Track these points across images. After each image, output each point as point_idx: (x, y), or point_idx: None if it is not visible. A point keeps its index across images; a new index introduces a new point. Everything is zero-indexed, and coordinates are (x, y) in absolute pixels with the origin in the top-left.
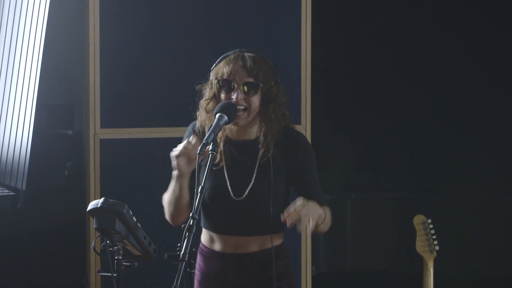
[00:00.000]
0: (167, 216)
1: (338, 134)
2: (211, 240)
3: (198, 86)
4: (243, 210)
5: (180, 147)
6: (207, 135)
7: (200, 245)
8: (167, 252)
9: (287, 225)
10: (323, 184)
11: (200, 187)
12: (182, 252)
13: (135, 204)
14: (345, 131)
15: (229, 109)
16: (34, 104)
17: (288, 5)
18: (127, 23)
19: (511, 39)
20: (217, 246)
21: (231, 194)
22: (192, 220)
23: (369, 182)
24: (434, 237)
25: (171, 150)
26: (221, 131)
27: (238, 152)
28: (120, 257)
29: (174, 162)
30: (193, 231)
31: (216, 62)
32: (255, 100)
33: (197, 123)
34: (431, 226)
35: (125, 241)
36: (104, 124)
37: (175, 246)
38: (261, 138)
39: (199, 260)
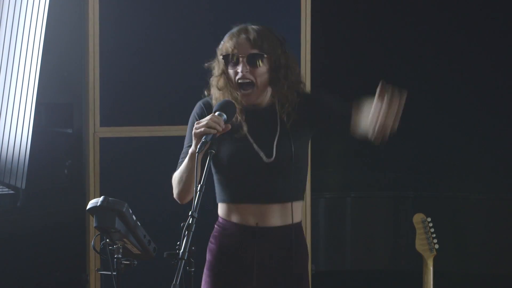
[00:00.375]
0: (175, 194)
1: (337, 133)
2: (230, 212)
3: (206, 64)
4: (272, 172)
5: (202, 122)
6: (204, 136)
7: (219, 218)
8: (166, 250)
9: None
10: (323, 183)
11: (200, 186)
12: (182, 250)
13: (134, 202)
14: (345, 130)
15: (228, 108)
16: (34, 102)
17: (288, 6)
18: (126, 22)
19: None
20: (235, 218)
21: (261, 156)
22: (191, 219)
23: (368, 181)
24: (434, 235)
25: (171, 148)
26: (236, 102)
27: (258, 118)
28: (120, 256)
29: (198, 135)
30: (193, 230)
31: (223, 40)
32: (262, 72)
33: (213, 100)
34: (430, 224)
35: (124, 239)
36: (104, 123)
37: (175, 245)
38: (278, 106)
39: (215, 232)
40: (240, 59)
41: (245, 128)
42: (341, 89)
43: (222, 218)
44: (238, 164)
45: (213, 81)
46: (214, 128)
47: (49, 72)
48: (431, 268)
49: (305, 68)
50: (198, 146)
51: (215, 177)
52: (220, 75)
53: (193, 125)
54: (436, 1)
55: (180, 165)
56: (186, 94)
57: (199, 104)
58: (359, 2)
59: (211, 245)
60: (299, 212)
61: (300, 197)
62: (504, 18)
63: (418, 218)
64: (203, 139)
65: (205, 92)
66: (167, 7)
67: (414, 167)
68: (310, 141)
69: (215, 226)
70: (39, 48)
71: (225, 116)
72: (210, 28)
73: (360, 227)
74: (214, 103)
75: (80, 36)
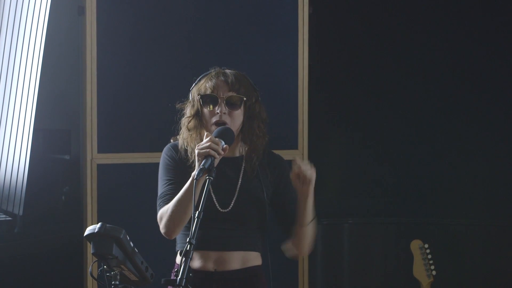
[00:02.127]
0: (166, 228)
1: (334, 158)
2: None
3: (178, 105)
4: (228, 222)
5: (205, 143)
6: (204, 161)
7: (175, 266)
8: (164, 277)
9: (295, 177)
10: (320, 209)
11: (198, 212)
12: (179, 277)
13: (132, 229)
14: (342, 155)
15: (227, 134)
16: (31, 128)
17: (285, 26)
18: (124, 48)
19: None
20: (196, 264)
21: (217, 205)
22: (189, 245)
23: (366, 207)
24: (431, 261)
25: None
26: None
27: (223, 167)
28: (117, 282)
29: (202, 155)
30: (191, 256)
31: (196, 81)
32: (238, 115)
33: (180, 142)
34: (428, 251)
35: (122, 266)
36: (101, 149)
37: (172, 271)
38: (246, 155)
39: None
40: (219, 100)
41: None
42: (340, 90)
43: (179, 265)
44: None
45: (184, 121)
46: (216, 151)
47: (47, 98)
48: None
49: (303, 68)
50: (196, 173)
51: None
52: (193, 116)
53: (166, 166)
54: (435, 2)
55: (165, 203)
56: None
57: (167, 147)
58: (355, 16)
59: None
60: (257, 259)
61: (257, 248)
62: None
63: (415, 244)
64: (201, 166)
65: (171, 139)
66: (164, 34)
67: (412, 193)
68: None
69: (172, 274)
70: (37, 74)
71: (223, 142)
72: (207, 52)
73: (358, 253)
74: (181, 145)
75: (77, 62)
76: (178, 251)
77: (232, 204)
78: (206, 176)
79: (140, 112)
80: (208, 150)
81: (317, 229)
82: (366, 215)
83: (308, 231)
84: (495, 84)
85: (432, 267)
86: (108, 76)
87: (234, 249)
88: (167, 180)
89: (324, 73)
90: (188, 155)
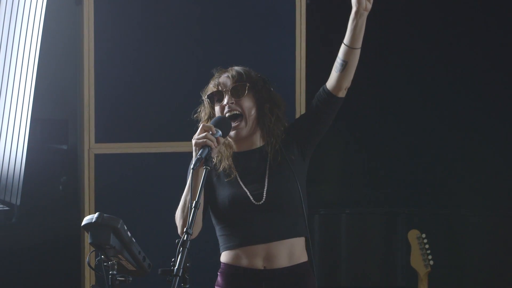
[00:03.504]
0: (180, 229)
1: (332, 149)
2: (236, 257)
3: (195, 116)
4: (266, 214)
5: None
6: (201, 150)
7: (222, 265)
8: (161, 267)
9: None
10: (318, 199)
11: (195, 202)
12: (176, 267)
13: (129, 219)
14: (339, 145)
15: (223, 123)
16: (29, 118)
17: (282, 17)
18: (122, 38)
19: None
20: (244, 262)
21: (251, 199)
22: (186, 235)
23: (364, 197)
24: (429, 252)
25: (165, 164)
26: (226, 148)
27: (247, 160)
28: (115, 272)
29: (198, 144)
30: (187, 246)
31: (204, 90)
32: (247, 102)
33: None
34: (425, 241)
35: (119, 256)
36: (99, 139)
37: (170, 261)
38: (267, 145)
39: (220, 280)
40: (224, 93)
41: (234, 173)
42: None
43: (227, 264)
44: (235, 208)
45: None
46: (212, 141)
47: (44, 88)
48: (426, 285)
49: (300, 84)
50: (193, 163)
51: (217, 228)
52: (207, 120)
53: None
54: (434, 3)
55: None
56: (181, 111)
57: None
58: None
59: None
60: (303, 250)
61: (300, 233)
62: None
63: (413, 234)
64: (198, 156)
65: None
66: (162, 25)
67: (409, 184)
68: (306, 168)
69: (219, 274)
70: (34, 64)
71: (220, 132)
72: (206, 45)
73: (355, 243)
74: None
75: (75, 52)
76: (222, 252)
77: (264, 195)
78: (203, 167)
79: (138, 102)
80: (205, 140)
81: (314, 219)
82: (363, 206)
83: (358, 54)
84: (490, 77)
85: (430, 257)
86: (105, 66)
87: (279, 238)
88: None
89: (321, 65)
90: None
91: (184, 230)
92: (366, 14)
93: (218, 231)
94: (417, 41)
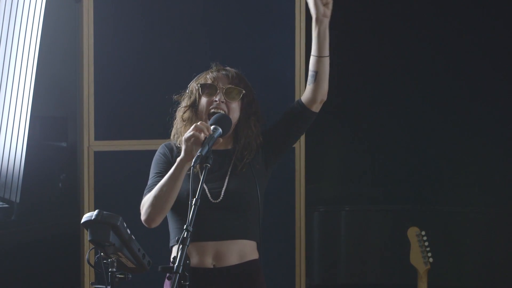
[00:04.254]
0: (146, 216)
1: (332, 146)
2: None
3: (176, 96)
4: (221, 212)
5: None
6: (201, 147)
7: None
8: (161, 264)
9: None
10: (318, 196)
11: (195, 199)
12: (176, 264)
13: (129, 216)
14: (339, 142)
15: (224, 122)
16: (28, 116)
17: (282, 15)
18: (121, 35)
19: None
20: (194, 260)
21: (209, 196)
22: (186, 232)
23: (363, 194)
24: (428, 249)
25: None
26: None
27: (214, 158)
28: (114, 269)
29: (189, 139)
30: (188, 244)
31: (195, 77)
32: (235, 107)
33: (172, 133)
34: (425, 238)
35: (119, 253)
36: (98, 136)
37: (169, 259)
38: (237, 152)
39: (167, 285)
40: (218, 90)
41: (197, 168)
42: (338, 80)
43: None
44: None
45: (180, 111)
46: (202, 131)
47: (44, 85)
48: (426, 282)
49: (299, 81)
50: (194, 159)
51: (170, 221)
52: (188, 106)
53: (158, 160)
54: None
55: (149, 191)
56: None
57: (162, 145)
58: (353, 11)
59: None
60: (254, 250)
61: (253, 236)
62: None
63: (412, 231)
64: (198, 153)
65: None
66: (162, 22)
67: (409, 181)
68: (268, 177)
69: (165, 280)
70: (34, 62)
71: (220, 130)
72: (204, 42)
73: (355, 240)
74: (173, 134)
75: (74, 50)
76: (171, 246)
77: (222, 194)
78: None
79: (137, 99)
80: (192, 132)
81: (314, 217)
82: (363, 203)
83: (327, 62)
84: (489, 75)
85: (429, 254)
86: (105, 63)
87: (230, 237)
88: (156, 173)
89: None
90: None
91: (184, 228)
92: (326, 21)
93: (172, 224)
94: (415, 38)
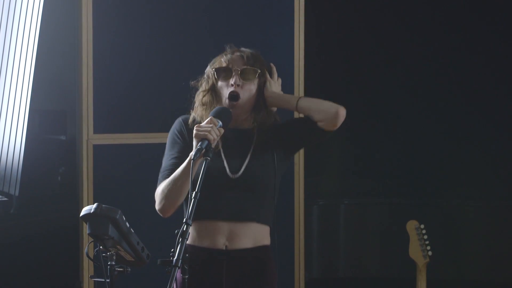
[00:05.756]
0: (161, 206)
1: (331, 140)
2: (198, 235)
3: (193, 82)
4: (238, 189)
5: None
6: (201, 142)
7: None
8: (160, 257)
9: None
10: (317, 190)
11: (194, 193)
12: (176, 257)
13: (128, 209)
14: (338, 136)
15: (223, 114)
16: (27, 109)
17: (281, 8)
18: (120, 29)
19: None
20: (206, 241)
21: (228, 171)
22: (185, 226)
23: (362, 188)
24: (427, 242)
25: (163, 155)
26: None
27: (234, 138)
28: (113, 263)
29: (200, 136)
30: (187, 237)
31: (212, 61)
32: (251, 88)
33: (191, 116)
34: (424, 231)
35: (118, 246)
36: (97, 130)
37: (168, 252)
38: (257, 129)
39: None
40: (233, 72)
41: (220, 144)
42: (334, 95)
43: (190, 245)
44: (209, 178)
45: (199, 96)
46: (213, 136)
47: (43, 79)
48: (425, 275)
49: (298, 72)
50: (193, 153)
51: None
52: (207, 91)
53: (173, 140)
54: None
55: (164, 178)
56: (180, 101)
57: (178, 120)
58: (353, 5)
59: (179, 276)
60: (266, 236)
61: (265, 221)
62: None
63: (411, 225)
64: (198, 146)
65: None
66: (161, 15)
67: (408, 174)
68: (286, 167)
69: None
70: (33, 55)
71: (220, 122)
72: (204, 35)
73: (354, 234)
74: (192, 120)
75: (73, 43)
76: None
77: (242, 169)
78: (203, 157)
79: (136, 93)
80: (206, 134)
81: (313, 210)
82: (362, 196)
83: (305, 103)
84: (484, 69)
85: (428, 247)
86: (104, 56)
87: (245, 219)
88: (171, 155)
89: (320, 54)
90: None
91: (184, 221)
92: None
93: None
94: (408, 37)
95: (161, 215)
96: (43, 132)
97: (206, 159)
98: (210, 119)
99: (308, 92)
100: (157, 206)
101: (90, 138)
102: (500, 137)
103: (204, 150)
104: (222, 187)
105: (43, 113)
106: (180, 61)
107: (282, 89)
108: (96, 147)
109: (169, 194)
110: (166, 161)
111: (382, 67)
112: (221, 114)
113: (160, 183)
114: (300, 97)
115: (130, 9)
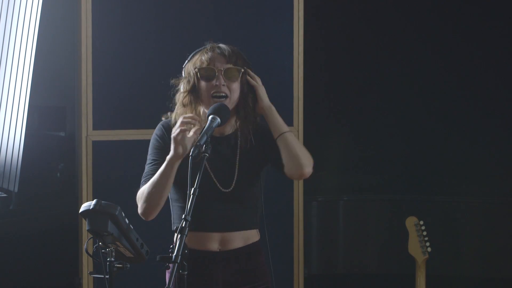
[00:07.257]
0: (142, 209)
1: (330, 136)
2: (189, 240)
3: (173, 80)
4: (229, 202)
5: (178, 125)
6: (199, 137)
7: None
8: (159, 254)
9: None
10: (316, 186)
11: (193, 189)
12: (175, 254)
13: (127, 206)
14: (337, 132)
15: (222, 111)
16: (26, 105)
17: (280, 6)
18: (119, 25)
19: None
20: (200, 245)
21: (218, 185)
22: (184, 222)
23: (361, 184)
24: (426, 238)
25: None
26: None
27: (218, 145)
28: (113, 259)
29: (176, 139)
30: (186, 233)
31: (190, 57)
32: (236, 87)
33: (172, 118)
34: (423, 227)
35: (117, 242)
36: (96, 126)
37: (168, 248)
38: (240, 130)
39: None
40: (217, 72)
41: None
42: (334, 90)
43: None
44: (199, 192)
45: (179, 97)
46: (189, 123)
47: (42, 75)
48: (424, 271)
49: (298, 68)
50: (192, 149)
51: (174, 204)
52: (188, 91)
53: (155, 146)
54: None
55: (146, 183)
56: None
57: (159, 125)
58: (353, 3)
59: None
60: (256, 234)
61: (255, 226)
62: (505, 18)
63: (411, 221)
64: (197, 142)
65: (162, 118)
66: (160, 11)
67: (407, 171)
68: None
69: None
70: (32, 51)
71: (219, 120)
72: (202, 31)
73: (353, 230)
74: (174, 122)
75: (72, 39)
76: (174, 229)
77: (233, 184)
78: (201, 154)
79: (135, 89)
80: (178, 130)
81: (312, 206)
82: (361, 192)
83: (286, 141)
84: (484, 66)
85: (427, 244)
86: (103, 53)
87: (236, 229)
88: (152, 160)
89: (319, 50)
90: None
91: (183, 217)
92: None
93: (176, 209)
94: (409, 34)
95: (144, 218)
96: (42, 128)
97: (204, 156)
98: (182, 120)
99: (308, 90)
100: (139, 210)
101: (90, 135)
102: (500, 134)
103: (201, 146)
104: (212, 201)
105: (42, 110)
106: (179, 58)
107: (282, 88)
108: (96, 144)
109: (149, 197)
110: (147, 166)
111: (382, 63)
112: (219, 111)
113: (140, 188)
114: (287, 132)
115: (130, 5)
